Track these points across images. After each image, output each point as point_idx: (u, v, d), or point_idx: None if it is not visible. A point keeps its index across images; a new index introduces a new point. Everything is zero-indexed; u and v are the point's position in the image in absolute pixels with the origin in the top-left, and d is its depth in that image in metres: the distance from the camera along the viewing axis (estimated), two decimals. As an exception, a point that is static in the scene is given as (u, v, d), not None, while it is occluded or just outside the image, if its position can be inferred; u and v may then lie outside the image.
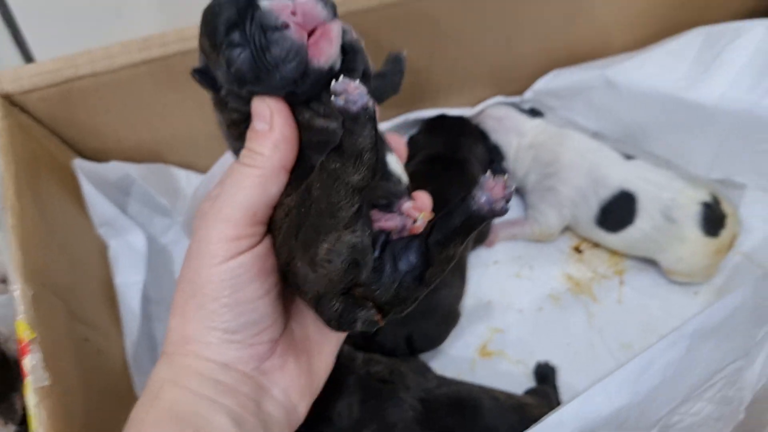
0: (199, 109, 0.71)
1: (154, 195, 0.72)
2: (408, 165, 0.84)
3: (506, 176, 0.36)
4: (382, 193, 0.43)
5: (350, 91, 0.34)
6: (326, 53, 0.40)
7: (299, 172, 0.42)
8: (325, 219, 0.37)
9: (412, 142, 0.86)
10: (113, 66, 0.63)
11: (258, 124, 0.41)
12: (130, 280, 0.68)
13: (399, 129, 0.87)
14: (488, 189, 0.36)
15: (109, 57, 0.62)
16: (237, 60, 0.39)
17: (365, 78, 0.45)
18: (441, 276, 0.41)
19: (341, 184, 0.36)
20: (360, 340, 0.70)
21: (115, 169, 0.70)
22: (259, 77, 0.39)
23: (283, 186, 0.41)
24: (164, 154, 0.76)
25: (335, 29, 0.40)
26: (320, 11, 0.39)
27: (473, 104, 0.88)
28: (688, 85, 0.76)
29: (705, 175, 0.79)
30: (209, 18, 0.40)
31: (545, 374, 0.76)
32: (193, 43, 0.61)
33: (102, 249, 0.71)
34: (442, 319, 0.76)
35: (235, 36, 0.39)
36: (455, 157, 0.81)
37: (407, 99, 0.83)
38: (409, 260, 0.40)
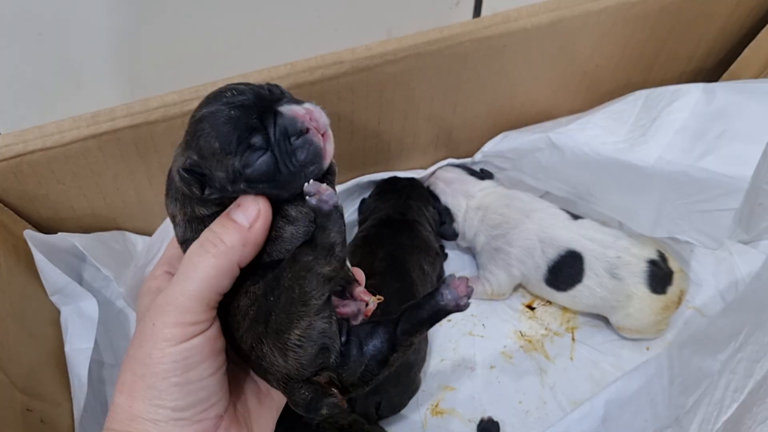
0: (149, 180, 0.73)
1: (98, 267, 0.73)
2: (361, 229, 0.86)
3: (468, 278, 0.43)
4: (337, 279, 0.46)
5: (322, 192, 0.38)
6: (330, 155, 0.43)
7: (254, 262, 0.44)
8: (297, 307, 0.40)
9: (363, 206, 0.89)
10: (63, 140, 0.65)
11: (238, 216, 0.42)
12: (79, 347, 0.69)
13: (352, 191, 0.89)
14: (454, 287, 0.43)
15: (59, 132, 0.65)
16: (256, 163, 0.41)
17: (330, 172, 0.47)
18: (402, 359, 0.46)
19: (313, 275, 0.40)
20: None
21: (63, 240, 0.72)
22: (275, 179, 0.42)
23: (234, 279, 0.43)
24: (119, 221, 0.78)
25: (330, 132, 0.43)
26: (325, 117, 0.43)
27: (425, 166, 0.90)
28: (627, 147, 0.78)
29: (650, 233, 0.81)
30: (223, 123, 0.41)
31: (488, 430, 0.76)
32: (141, 117, 0.64)
33: (57, 317, 0.73)
34: (408, 386, 0.77)
35: (257, 140, 0.41)
36: (405, 219, 0.84)
37: (359, 162, 0.85)
38: (375, 346, 0.45)
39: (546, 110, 0.89)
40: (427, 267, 0.81)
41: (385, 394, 0.74)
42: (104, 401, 0.74)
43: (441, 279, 0.84)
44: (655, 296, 0.79)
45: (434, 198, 0.89)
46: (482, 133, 0.89)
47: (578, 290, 0.81)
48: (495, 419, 0.77)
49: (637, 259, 0.80)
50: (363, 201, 0.90)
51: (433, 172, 0.90)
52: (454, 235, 0.87)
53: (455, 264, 0.92)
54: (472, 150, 0.91)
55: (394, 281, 0.77)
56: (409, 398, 0.79)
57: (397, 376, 0.74)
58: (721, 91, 0.76)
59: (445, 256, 0.90)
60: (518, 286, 0.88)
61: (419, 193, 0.88)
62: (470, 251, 0.91)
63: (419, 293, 0.78)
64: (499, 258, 0.83)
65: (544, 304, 0.88)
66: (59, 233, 0.72)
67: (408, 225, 0.83)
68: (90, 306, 0.72)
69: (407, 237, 0.82)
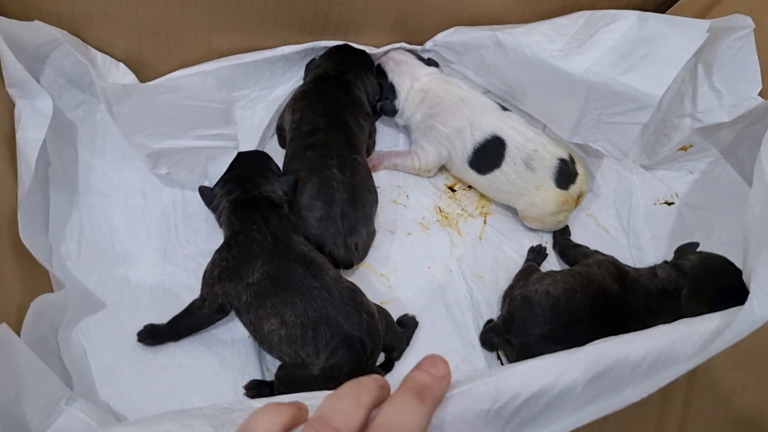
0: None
1: (79, 58, 0.75)
2: (301, 84, 0.93)
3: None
4: None
5: None
6: None
7: None
8: None
9: (310, 63, 0.95)
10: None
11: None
12: (30, 136, 0.72)
13: (308, 53, 0.95)
14: None
15: None
16: None
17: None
18: None
19: None
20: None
21: (38, 30, 0.74)
22: None
23: None
24: (82, 31, 0.80)
25: None
26: None
27: (379, 46, 0.96)
28: (562, 55, 0.87)
29: (568, 138, 0.90)
30: None
31: (406, 323, 0.83)
32: None
33: (12, 108, 0.75)
34: (372, 230, 0.87)
35: None
36: (341, 78, 0.91)
37: (320, 27, 0.91)
38: None
39: (497, 15, 0.96)
40: (361, 121, 0.89)
41: (359, 237, 0.82)
42: (46, 194, 0.78)
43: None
44: (558, 190, 0.89)
45: (382, 75, 0.95)
46: (436, 25, 0.96)
47: (495, 174, 0.90)
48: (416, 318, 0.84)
49: (550, 156, 0.89)
50: (312, 60, 0.95)
51: (386, 53, 0.97)
52: (393, 112, 0.95)
53: (390, 140, 1.00)
54: (425, 39, 0.98)
55: (337, 134, 0.85)
56: (371, 243, 0.87)
57: (366, 220, 0.83)
58: (653, 20, 0.85)
59: (377, 116, 0.98)
60: (443, 169, 0.97)
61: (362, 61, 0.95)
62: (405, 130, 0.99)
63: (358, 143, 0.86)
64: (431, 135, 0.92)
65: (464, 189, 0.97)
66: (36, 21, 0.74)
67: (344, 83, 0.91)
68: (45, 104, 0.75)
69: (342, 92, 0.90)
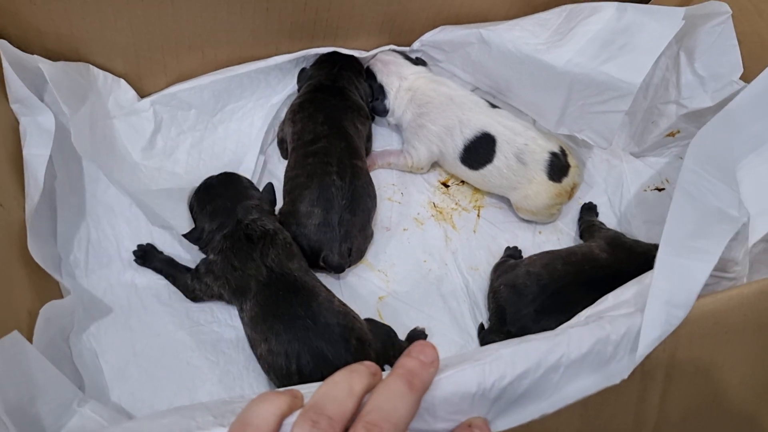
0: (114, 14, 0.79)
1: (60, 102, 0.78)
2: (297, 96, 0.96)
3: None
4: None
5: None
6: None
7: None
8: None
9: (302, 74, 0.98)
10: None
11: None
12: (36, 153, 0.76)
13: (300, 62, 0.98)
14: None
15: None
16: None
17: None
18: None
19: None
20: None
21: (32, 61, 0.78)
22: None
23: None
24: (81, 51, 0.84)
25: None
26: None
27: (368, 49, 0.99)
28: (545, 48, 0.89)
29: (554, 130, 0.93)
30: None
31: (416, 337, 0.83)
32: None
33: (17, 125, 0.79)
34: (368, 234, 0.90)
35: None
36: (335, 85, 0.94)
37: (309, 34, 0.93)
38: None
39: (483, 13, 0.99)
40: (359, 126, 0.92)
41: (354, 241, 0.85)
42: (53, 206, 0.82)
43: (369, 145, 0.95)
44: (551, 183, 0.92)
45: (371, 77, 0.98)
46: (423, 26, 0.99)
47: (488, 170, 0.92)
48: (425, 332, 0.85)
49: (541, 149, 0.92)
50: (302, 70, 0.98)
51: (374, 55, 1.00)
52: (384, 111, 0.97)
53: (385, 140, 1.03)
54: (413, 40, 1.01)
55: (339, 141, 0.88)
56: (368, 245, 0.90)
57: (362, 224, 0.86)
58: (632, 10, 0.87)
59: (373, 117, 1.00)
60: (437, 165, 1.00)
61: (352, 66, 0.98)
62: (398, 129, 1.01)
63: (359, 148, 0.89)
64: (421, 134, 0.94)
65: (458, 184, 1.00)
66: (33, 55, 0.78)
67: (338, 90, 0.94)
68: (47, 120, 0.78)
69: (339, 100, 0.93)
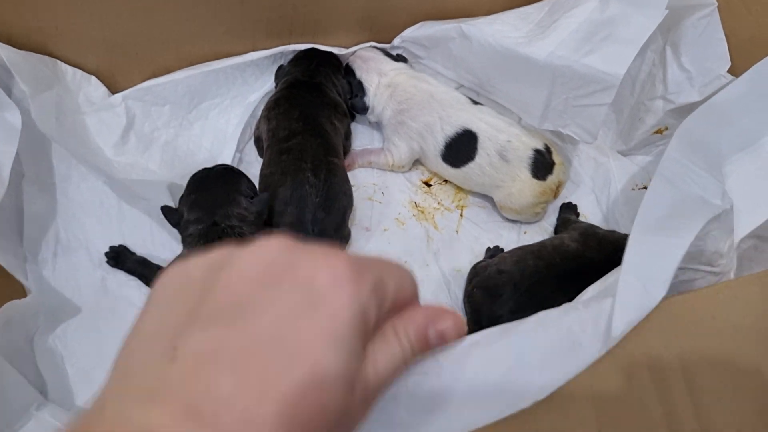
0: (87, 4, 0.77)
1: (18, 80, 0.76)
2: (274, 92, 0.94)
3: None
4: None
5: None
6: None
7: None
8: None
9: (279, 71, 0.96)
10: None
11: None
12: (1, 149, 0.73)
13: (277, 58, 0.96)
14: None
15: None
16: None
17: None
18: None
19: None
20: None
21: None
22: None
23: None
24: (49, 45, 0.82)
25: None
26: None
27: (348, 46, 0.97)
28: (526, 42, 0.87)
29: (538, 125, 0.90)
30: None
31: None
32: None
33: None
34: (345, 234, 0.87)
35: None
36: (312, 81, 0.92)
37: (287, 30, 0.92)
38: None
39: (464, 8, 0.97)
40: (336, 123, 0.89)
41: (329, 241, 0.82)
42: (20, 206, 0.80)
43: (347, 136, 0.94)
44: (535, 181, 0.89)
45: (350, 73, 0.96)
46: (404, 22, 0.97)
47: (470, 167, 0.90)
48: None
49: (525, 146, 0.89)
50: (280, 67, 0.96)
51: (354, 52, 0.98)
52: (363, 109, 0.95)
53: (366, 138, 1.00)
54: (393, 37, 0.99)
55: (314, 138, 0.86)
56: (345, 246, 0.87)
57: (338, 224, 0.83)
58: (615, 1, 0.85)
59: (352, 116, 0.98)
60: (419, 164, 0.97)
61: (330, 62, 0.96)
62: (378, 127, 0.99)
63: (335, 145, 0.87)
64: (401, 131, 0.92)
65: (440, 183, 0.97)
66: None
67: (315, 86, 0.92)
68: (14, 116, 0.76)
69: (315, 96, 0.91)
